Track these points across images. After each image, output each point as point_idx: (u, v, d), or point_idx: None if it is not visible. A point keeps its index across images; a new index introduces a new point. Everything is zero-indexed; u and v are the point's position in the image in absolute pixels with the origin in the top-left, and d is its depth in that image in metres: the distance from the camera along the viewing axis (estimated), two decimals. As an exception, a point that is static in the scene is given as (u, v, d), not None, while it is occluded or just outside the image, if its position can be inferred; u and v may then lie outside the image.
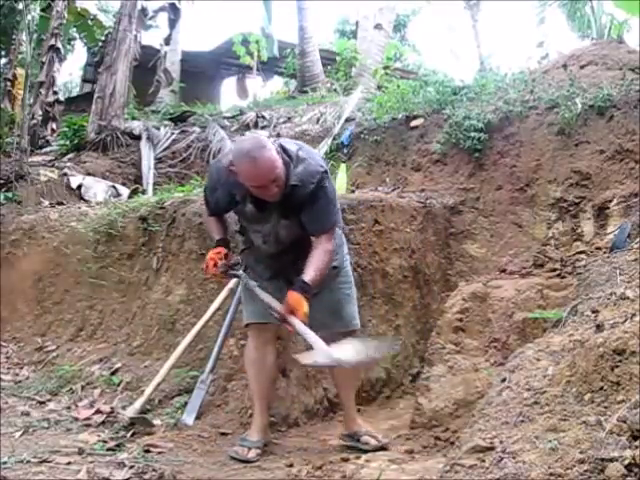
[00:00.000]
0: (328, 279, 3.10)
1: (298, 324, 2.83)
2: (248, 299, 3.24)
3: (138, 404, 3.52)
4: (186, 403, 3.59)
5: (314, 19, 11.70)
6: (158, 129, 8.18)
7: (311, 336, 2.81)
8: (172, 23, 10.00)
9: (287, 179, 2.87)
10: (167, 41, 10.15)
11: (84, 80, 14.29)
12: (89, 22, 10.75)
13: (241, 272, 3.22)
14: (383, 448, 3.21)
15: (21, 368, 4.62)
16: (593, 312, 2.41)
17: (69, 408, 3.79)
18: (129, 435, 3.29)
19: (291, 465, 2.96)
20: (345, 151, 6.55)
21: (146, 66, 9.36)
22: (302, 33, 11.34)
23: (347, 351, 2.80)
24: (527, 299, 4.25)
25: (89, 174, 7.16)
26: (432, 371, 3.79)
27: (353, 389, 3.42)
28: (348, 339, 2.97)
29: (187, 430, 3.40)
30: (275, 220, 3.01)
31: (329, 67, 11.84)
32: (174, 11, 9.87)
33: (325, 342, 2.77)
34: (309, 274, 2.90)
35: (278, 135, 3.08)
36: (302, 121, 7.96)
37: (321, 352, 2.73)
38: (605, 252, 4.00)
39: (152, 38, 11.07)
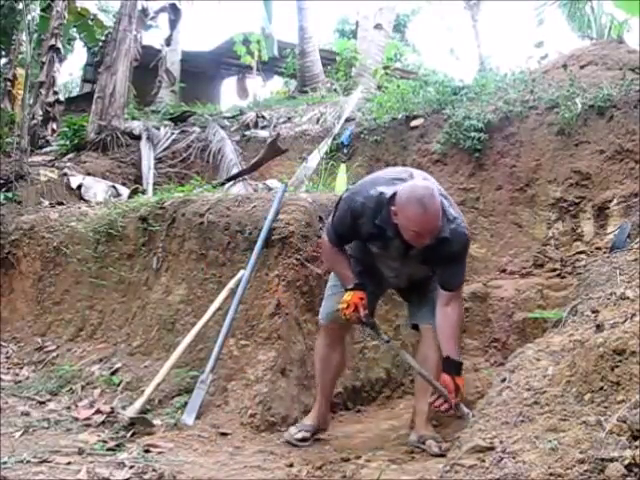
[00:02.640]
0: (428, 279, 3.27)
1: (463, 408, 3.00)
2: (326, 299, 3.38)
3: (138, 404, 3.52)
4: (186, 403, 3.58)
5: (314, 19, 11.71)
6: (158, 129, 8.17)
7: (465, 410, 2.99)
8: (172, 23, 10.03)
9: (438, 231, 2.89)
10: (168, 42, 10.18)
11: (84, 80, 14.26)
12: (89, 22, 10.72)
13: (384, 335, 3.27)
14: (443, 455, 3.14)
15: (21, 368, 4.61)
16: (593, 312, 2.41)
17: (69, 408, 3.79)
18: (129, 435, 3.28)
19: (291, 465, 2.95)
20: (345, 151, 6.56)
21: (147, 66, 9.36)
22: (302, 33, 11.34)
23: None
24: (527, 299, 4.26)
25: (89, 174, 7.14)
26: (432, 371, 3.79)
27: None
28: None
29: (187, 430, 3.39)
30: (414, 263, 3.11)
31: (329, 67, 11.83)
32: (174, 11, 9.89)
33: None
34: (454, 350, 3.04)
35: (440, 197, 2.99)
36: (302, 121, 7.96)
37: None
38: (605, 252, 4.01)
39: (153, 38, 11.07)
